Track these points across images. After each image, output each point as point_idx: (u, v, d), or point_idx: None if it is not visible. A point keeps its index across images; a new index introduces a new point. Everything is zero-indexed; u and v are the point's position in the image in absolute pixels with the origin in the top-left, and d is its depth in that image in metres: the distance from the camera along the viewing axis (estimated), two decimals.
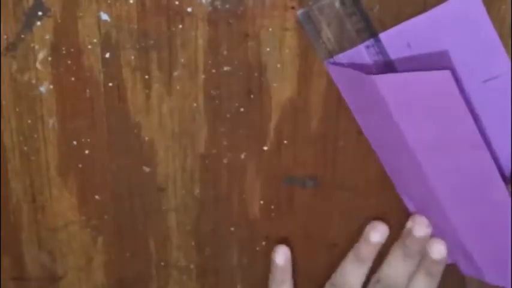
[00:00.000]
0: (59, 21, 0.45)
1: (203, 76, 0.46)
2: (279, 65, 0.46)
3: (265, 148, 0.48)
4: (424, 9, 0.44)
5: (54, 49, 0.45)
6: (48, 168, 0.49)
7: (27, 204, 0.50)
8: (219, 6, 0.44)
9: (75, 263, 0.52)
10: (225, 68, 0.46)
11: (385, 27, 0.44)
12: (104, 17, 0.44)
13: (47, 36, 0.45)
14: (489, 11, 0.44)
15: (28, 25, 0.45)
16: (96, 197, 0.50)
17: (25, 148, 0.48)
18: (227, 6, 0.44)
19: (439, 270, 0.49)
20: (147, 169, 0.49)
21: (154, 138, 0.48)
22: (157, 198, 0.50)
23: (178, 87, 0.46)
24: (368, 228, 0.49)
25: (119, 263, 0.52)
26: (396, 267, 0.49)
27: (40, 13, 0.44)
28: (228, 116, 0.47)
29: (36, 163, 0.49)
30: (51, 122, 0.48)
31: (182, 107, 0.47)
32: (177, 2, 0.44)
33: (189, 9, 0.44)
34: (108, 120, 0.48)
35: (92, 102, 0.47)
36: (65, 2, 0.44)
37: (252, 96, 0.47)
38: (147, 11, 0.44)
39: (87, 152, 0.48)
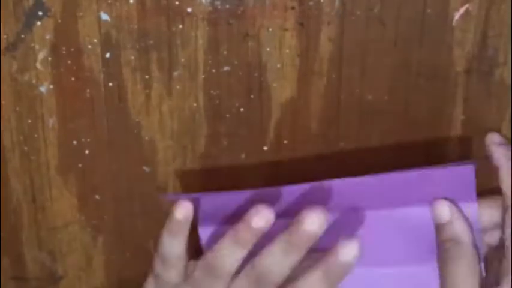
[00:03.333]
0: (59, 21, 0.45)
1: (203, 76, 0.46)
2: (279, 65, 0.46)
3: (265, 148, 0.48)
4: (424, 10, 0.44)
5: (54, 49, 0.45)
6: (48, 168, 0.49)
7: (27, 204, 0.50)
8: (219, 6, 0.44)
9: (75, 263, 0.52)
10: (225, 68, 0.46)
11: (385, 27, 0.44)
12: (104, 17, 0.44)
13: (47, 36, 0.45)
14: (489, 11, 0.44)
15: (28, 25, 0.45)
16: (96, 197, 0.50)
17: (25, 148, 0.48)
18: (227, 6, 0.44)
19: (342, 273, 0.43)
20: (147, 169, 0.49)
21: (154, 138, 0.48)
22: (157, 198, 0.50)
23: (178, 87, 0.46)
24: (251, 211, 0.43)
25: (119, 263, 0.52)
26: (275, 257, 0.43)
27: (40, 13, 0.44)
28: (228, 116, 0.47)
29: (36, 163, 0.49)
30: (51, 122, 0.48)
31: (182, 107, 0.47)
32: (177, 2, 0.44)
33: (189, 9, 0.44)
34: (108, 120, 0.48)
35: (92, 102, 0.47)
36: (65, 2, 0.44)
37: (252, 96, 0.47)
38: (147, 11, 0.44)
39: (87, 152, 0.48)
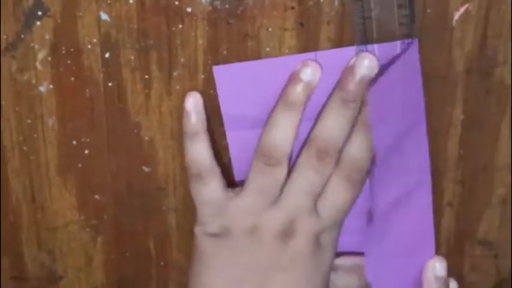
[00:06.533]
0: (59, 21, 0.45)
1: (203, 76, 0.46)
2: None
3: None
4: (424, 10, 0.44)
5: (54, 49, 0.45)
6: (47, 168, 0.49)
7: (26, 204, 0.50)
8: (219, 6, 0.44)
9: (75, 263, 0.52)
10: None
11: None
12: (104, 16, 0.44)
13: (47, 36, 0.45)
14: (489, 11, 0.44)
15: (28, 25, 0.45)
16: (96, 196, 0.50)
17: (25, 148, 0.48)
18: (227, 6, 0.44)
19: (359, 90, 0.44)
20: (147, 169, 0.49)
21: (154, 138, 0.48)
22: (157, 198, 0.50)
23: (178, 87, 0.46)
24: (298, 66, 0.44)
25: (118, 263, 0.52)
26: (333, 118, 0.44)
27: (40, 13, 0.44)
28: None
29: (36, 163, 0.49)
30: (51, 121, 0.48)
31: (182, 107, 0.47)
32: (176, 2, 0.44)
33: (189, 9, 0.44)
34: (108, 120, 0.48)
35: (92, 102, 0.47)
36: (64, 2, 0.44)
37: None
38: (147, 11, 0.44)
39: (86, 152, 0.48)
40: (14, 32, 0.45)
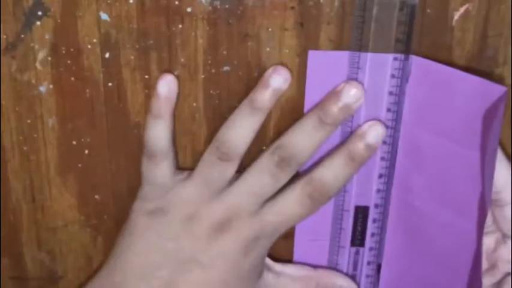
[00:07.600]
0: (59, 21, 0.45)
1: (203, 76, 0.46)
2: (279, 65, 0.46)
3: (265, 148, 0.48)
4: (424, 10, 0.44)
5: (54, 49, 0.45)
6: (47, 168, 0.49)
7: (26, 204, 0.50)
8: (218, 6, 0.44)
9: (75, 263, 0.52)
10: (225, 68, 0.46)
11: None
12: (104, 16, 0.44)
13: (47, 36, 0.45)
14: (489, 11, 0.44)
15: (28, 25, 0.45)
16: (96, 196, 0.50)
17: (25, 148, 0.48)
18: (227, 6, 0.44)
19: (364, 158, 0.44)
20: None
21: None
22: None
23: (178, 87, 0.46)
24: (269, 71, 0.44)
25: None
26: (305, 134, 0.44)
27: (40, 13, 0.44)
28: (228, 116, 0.47)
29: (36, 163, 0.49)
30: (51, 121, 0.48)
31: (182, 107, 0.47)
32: (176, 2, 0.44)
33: (189, 9, 0.44)
34: (108, 120, 0.48)
35: (92, 102, 0.47)
36: (64, 2, 0.44)
37: None
38: (147, 11, 0.44)
39: (86, 152, 0.48)
40: (14, 32, 0.45)
